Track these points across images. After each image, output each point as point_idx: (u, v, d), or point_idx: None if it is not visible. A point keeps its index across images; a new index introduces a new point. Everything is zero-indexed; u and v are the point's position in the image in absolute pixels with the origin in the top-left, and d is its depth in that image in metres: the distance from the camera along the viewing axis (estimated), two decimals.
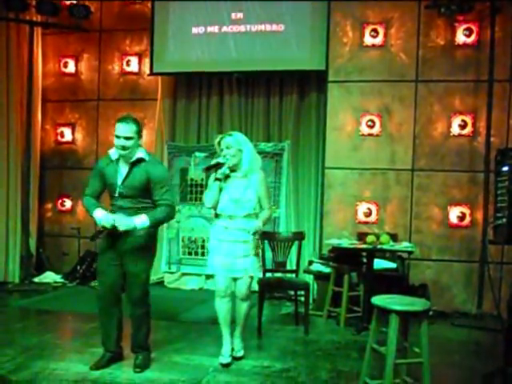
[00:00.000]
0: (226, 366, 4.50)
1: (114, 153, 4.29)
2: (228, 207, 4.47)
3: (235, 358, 4.63)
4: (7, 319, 5.89)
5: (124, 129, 4.15)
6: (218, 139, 4.59)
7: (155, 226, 4.26)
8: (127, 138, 4.15)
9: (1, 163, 7.41)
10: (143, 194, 4.24)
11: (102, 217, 4.12)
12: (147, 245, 4.34)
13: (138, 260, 4.28)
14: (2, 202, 7.53)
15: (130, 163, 4.22)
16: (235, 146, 4.47)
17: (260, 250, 4.76)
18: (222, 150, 4.51)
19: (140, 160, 4.23)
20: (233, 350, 4.66)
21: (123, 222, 4.05)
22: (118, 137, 4.15)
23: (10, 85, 7.74)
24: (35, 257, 8.26)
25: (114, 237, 4.23)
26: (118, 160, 4.28)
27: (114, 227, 4.06)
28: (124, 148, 4.16)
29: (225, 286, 4.55)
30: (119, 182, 4.23)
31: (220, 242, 4.51)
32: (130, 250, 4.24)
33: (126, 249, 4.24)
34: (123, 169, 4.25)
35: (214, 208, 4.55)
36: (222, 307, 4.61)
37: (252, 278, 4.59)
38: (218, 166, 4.45)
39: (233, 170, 4.50)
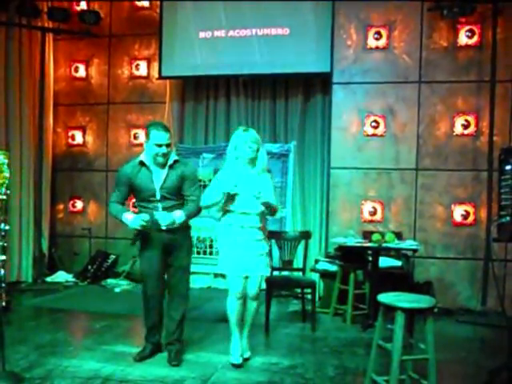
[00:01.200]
0: (238, 366, 4.40)
1: (145, 158, 4.30)
2: (243, 204, 4.36)
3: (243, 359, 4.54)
4: (20, 318, 5.88)
5: (165, 137, 4.20)
6: (240, 131, 4.45)
7: (188, 219, 4.33)
8: (168, 146, 4.22)
9: (14, 165, 7.38)
10: (179, 193, 4.33)
11: (133, 219, 4.17)
12: (189, 242, 4.50)
13: (185, 256, 4.42)
14: (15, 203, 7.52)
15: (168, 166, 4.27)
16: (258, 142, 4.41)
17: (268, 250, 4.67)
18: (245, 142, 4.34)
19: (175, 162, 4.31)
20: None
21: (164, 217, 4.16)
22: (159, 145, 4.17)
23: (22, 89, 7.76)
24: (47, 257, 8.28)
25: (158, 236, 4.28)
26: (149, 165, 4.29)
27: (155, 223, 4.16)
28: (165, 155, 4.23)
29: (241, 287, 4.42)
30: (158, 185, 4.25)
31: (234, 241, 4.40)
32: (177, 246, 4.33)
33: (173, 247, 4.33)
34: (158, 172, 4.28)
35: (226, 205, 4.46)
36: (236, 308, 4.46)
37: (262, 276, 4.55)
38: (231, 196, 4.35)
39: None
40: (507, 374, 3.73)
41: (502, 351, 4.26)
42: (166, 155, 4.22)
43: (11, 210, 7.09)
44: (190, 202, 4.35)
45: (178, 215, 4.21)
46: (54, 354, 4.59)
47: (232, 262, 4.41)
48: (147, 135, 4.25)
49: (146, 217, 4.13)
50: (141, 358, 4.45)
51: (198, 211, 4.42)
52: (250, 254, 4.39)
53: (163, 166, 4.26)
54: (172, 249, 4.34)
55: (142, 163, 4.30)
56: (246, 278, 4.43)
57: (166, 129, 4.27)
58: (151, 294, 4.44)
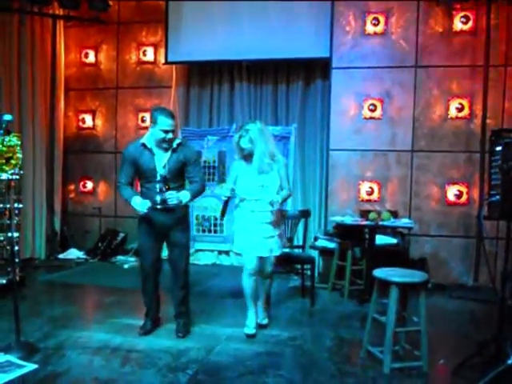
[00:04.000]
0: (252, 336, 4.49)
1: (148, 141, 4.30)
2: (254, 192, 4.45)
3: (261, 326, 4.68)
4: (35, 292, 5.94)
5: (172, 123, 4.22)
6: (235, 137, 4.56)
7: (193, 198, 4.35)
8: (173, 132, 4.24)
9: (27, 148, 7.40)
10: (180, 175, 4.35)
11: (140, 204, 4.15)
12: (187, 219, 4.52)
13: (184, 233, 4.43)
14: (29, 184, 7.56)
15: (172, 150, 4.27)
16: (248, 143, 4.44)
17: (282, 231, 4.75)
18: (236, 146, 4.53)
19: (178, 145, 4.31)
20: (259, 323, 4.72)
21: (173, 196, 4.13)
22: (166, 131, 4.18)
23: (34, 75, 7.76)
24: (60, 235, 8.32)
25: (157, 216, 4.29)
26: (151, 148, 4.29)
27: (164, 202, 4.14)
28: (171, 140, 4.24)
29: (254, 264, 4.49)
30: (159, 166, 4.25)
31: (247, 224, 4.49)
32: (175, 224, 4.34)
33: (172, 224, 4.33)
34: (161, 155, 4.28)
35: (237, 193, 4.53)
36: (250, 284, 4.55)
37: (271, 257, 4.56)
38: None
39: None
40: (495, 346, 3.75)
41: (491, 325, 4.29)
42: (171, 140, 4.23)
43: (25, 190, 7.14)
44: (194, 183, 4.37)
45: (184, 195, 4.22)
46: (66, 326, 4.65)
47: (245, 242, 4.50)
48: (154, 120, 4.21)
49: (146, 204, 4.14)
50: (145, 331, 4.50)
51: (201, 191, 4.44)
52: (259, 237, 4.45)
53: (167, 149, 4.27)
54: (169, 227, 4.33)
55: (144, 145, 4.29)
56: (259, 257, 4.50)
57: (172, 115, 4.26)
58: (146, 268, 4.47)
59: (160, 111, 4.26)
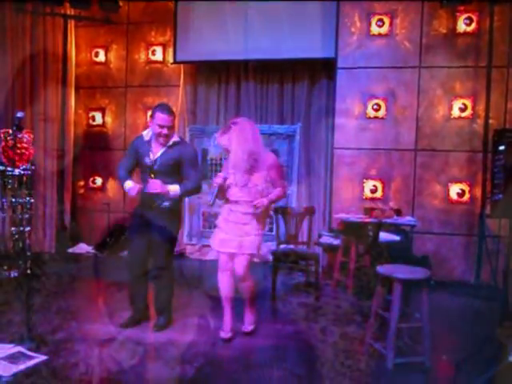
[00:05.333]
0: (227, 341, 4.22)
1: (147, 134, 4.39)
2: (234, 192, 4.24)
3: (244, 333, 4.37)
4: (44, 286, 5.93)
5: (168, 119, 4.24)
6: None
7: (184, 195, 4.37)
8: (169, 128, 4.26)
9: (39, 144, 7.41)
10: (173, 172, 4.33)
11: (129, 189, 4.25)
12: (173, 221, 4.45)
13: (165, 233, 4.36)
14: (40, 180, 7.58)
15: (167, 146, 4.31)
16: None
17: (259, 232, 4.28)
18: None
19: (175, 143, 4.34)
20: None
21: (159, 185, 4.15)
22: (161, 126, 4.22)
23: (46, 73, 7.79)
24: (69, 229, 8.32)
25: (145, 213, 4.37)
26: (149, 140, 4.37)
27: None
28: (167, 136, 4.27)
29: (224, 261, 4.29)
30: (152, 160, 4.28)
31: (226, 222, 4.28)
32: (159, 224, 4.33)
33: (156, 224, 4.33)
34: (156, 149, 4.33)
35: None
36: (221, 280, 4.35)
37: (250, 256, 4.23)
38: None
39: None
40: (496, 342, 3.74)
41: (493, 321, 4.28)
42: (167, 136, 4.26)
43: (35, 185, 7.14)
44: (186, 182, 4.31)
45: (174, 188, 4.22)
46: (75, 319, 4.65)
47: (219, 238, 4.31)
48: (152, 116, 4.28)
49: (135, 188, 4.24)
50: (127, 324, 4.46)
51: (194, 189, 4.37)
52: (236, 234, 4.21)
53: (163, 145, 4.31)
54: (155, 225, 4.33)
55: (142, 137, 4.40)
56: (232, 256, 4.25)
57: (170, 112, 4.27)
58: (130, 261, 4.51)
59: (158, 107, 4.32)
